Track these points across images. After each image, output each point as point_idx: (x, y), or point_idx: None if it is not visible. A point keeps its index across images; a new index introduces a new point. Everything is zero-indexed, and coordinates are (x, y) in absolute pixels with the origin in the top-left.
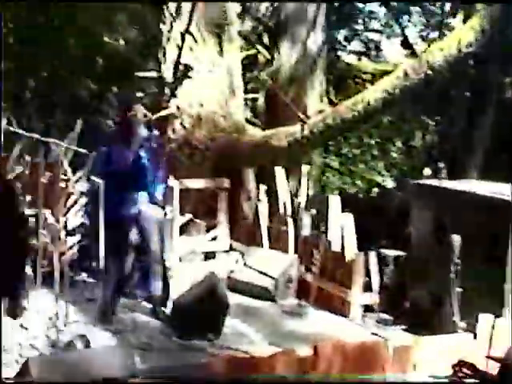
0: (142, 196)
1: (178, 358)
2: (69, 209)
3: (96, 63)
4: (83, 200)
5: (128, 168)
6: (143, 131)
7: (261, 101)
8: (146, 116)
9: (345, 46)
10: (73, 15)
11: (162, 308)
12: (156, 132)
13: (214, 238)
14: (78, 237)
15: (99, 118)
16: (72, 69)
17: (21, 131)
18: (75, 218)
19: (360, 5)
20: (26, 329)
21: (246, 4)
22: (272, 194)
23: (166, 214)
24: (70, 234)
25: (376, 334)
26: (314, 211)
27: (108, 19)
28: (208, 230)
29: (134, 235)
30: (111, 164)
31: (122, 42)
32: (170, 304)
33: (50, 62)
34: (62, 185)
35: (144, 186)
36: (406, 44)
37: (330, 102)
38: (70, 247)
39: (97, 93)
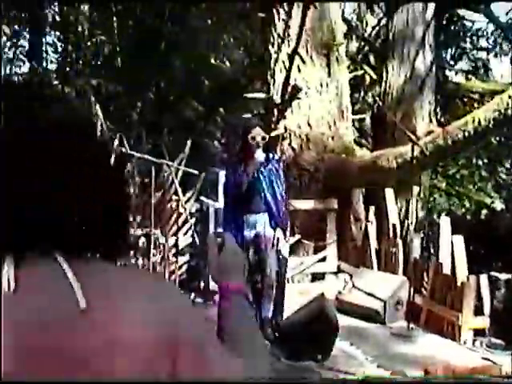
0: (262, 218)
1: (286, 379)
2: (179, 229)
3: (203, 85)
4: (193, 220)
5: (245, 191)
6: (261, 154)
7: (368, 121)
8: (264, 139)
9: (452, 66)
10: (179, 38)
11: (271, 329)
12: (276, 155)
13: (323, 259)
14: (187, 257)
15: (206, 139)
16: (179, 90)
17: (133, 152)
18: (185, 238)
19: (468, 23)
20: None
21: (352, 24)
22: (381, 216)
23: (285, 235)
24: (179, 253)
25: (487, 359)
26: (423, 233)
27: (214, 41)
28: (316, 251)
29: (251, 257)
30: (228, 186)
31: (227, 63)
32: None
33: (156, 85)
34: (173, 205)
35: (262, 209)
36: None
37: (439, 123)
38: (180, 267)
39: (203, 114)
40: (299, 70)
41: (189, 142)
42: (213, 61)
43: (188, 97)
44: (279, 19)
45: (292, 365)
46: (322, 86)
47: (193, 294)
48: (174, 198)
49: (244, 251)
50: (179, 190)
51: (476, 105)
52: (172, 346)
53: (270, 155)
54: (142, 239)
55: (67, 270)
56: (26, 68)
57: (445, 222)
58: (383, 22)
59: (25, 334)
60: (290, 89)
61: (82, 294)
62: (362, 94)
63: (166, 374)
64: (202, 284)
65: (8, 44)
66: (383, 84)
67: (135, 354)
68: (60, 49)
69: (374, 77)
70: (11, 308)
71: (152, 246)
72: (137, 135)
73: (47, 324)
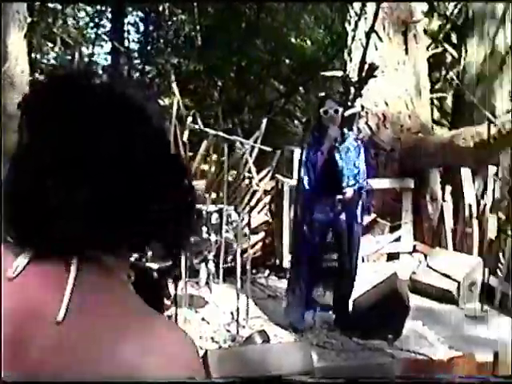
0: (338, 199)
1: (356, 358)
2: (253, 207)
3: (283, 64)
4: (267, 198)
5: (320, 170)
6: (335, 130)
7: (448, 100)
8: (337, 112)
9: None
10: (261, 18)
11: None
12: (352, 134)
13: (398, 239)
14: (261, 234)
15: (287, 117)
16: (259, 70)
17: (207, 129)
18: (259, 216)
19: None
20: (208, 322)
21: (433, 2)
22: (457, 196)
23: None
24: (253, 231)
25: None
26: (500, 214)
27: (295, 20)
28: (391, 231)
29: (328, 236)
30: (305, 165)
31: (308, 42)
32: (351, 303)
33: (238, 64)
34: (247, 182)
35: (339, 188)
36: None
37: None
38: (253, 245)
39: (283, 93)
40: (376, 48)
41: (264, 121)
42: (293, 40)
43: (268, 76)
44: None
45: (363, 343)
46: (399, 63)
47: (267, 271)
48: (248, 175)
49: (323, 232)
50: (253, 168)
51: None
52: None
53: (346, 132)
54: (215, 215)
55: (71, 278)
56: (107, 48)
57: None
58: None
59: None
60: (366, 67)
61: (68, 307)
62: (444, 72)
63: None
64: (278, 261)
65: (91, 24)
66: (462, 62)
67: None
68: (142, 28)
69: (455, 55)
70: None
71: (224, 223)
72: (216, 114)
73: (16, 324)
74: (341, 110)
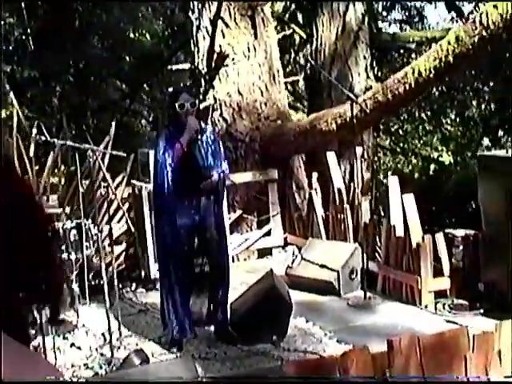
0: (204, 197)
1: (242, 365)
2: (111, 217)
3: (123, 61)
4: (126, 206)
5: (180, 167)
6: (194, 122)
7: (301, 84)
8: (193, 105)
9: (386, 17)
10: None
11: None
12: (209, 127)
13: (268, 233)
14: (124, 245)
15: (133, 118)
16: (99, 70)
17: (53, 140)
18: (119, 226)
19: None
20: (79, 348)
21: None
22: (325, 181)
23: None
24: (115, 242)
25: (453, 322)
26: (370, 196)
27: (131, 13)
28: (260, 226)
29: (194, 238)
30: (160, 165)
31: (148, 36)
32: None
33: (74, 65)
34: (102, 192)
35: (202, 186)
36: (451, 6)
37: (377, 78)
38: (117, 257)
39: (128, 92)
40: (223, 36)
41: (113, 124)
42: (132, 35)
43: (109, 76)
44: None
45: (248, 349)
46: (249, 50)
47: (134, 284)
48: (103, 184)
49: (189, 235)
50: (107, 176)
51: (414, 56)
52: None
53: (203, 125)
54: (73, 231)
55: None
56: None
57: (393, 182)
58: None
59: None
60: (215, 56)
61: None
62: (293, 54)
63: None
64: (143, 273)
65: None
66: (314, 42)
67: None
68: None
69: (304, 35)
70: None
71: (84, 238)
72: (59, 121)
73: None
74: (197, 103)
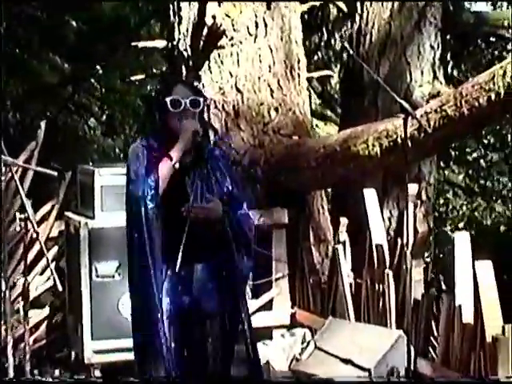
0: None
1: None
2: (31, 265)
3: (66, 27)
4: (54, 250)
5: (173, 201)
6: (192, 129)
7: (335, 81)
8: (196, 105)
9: None
10: None
11: None
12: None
13: (268, 306)
14: (46, 310)
15: (76, 115)
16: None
17: None
18: (40, 280)
19: None
20: None
21: None
22: (358, 233)
23: None
24: (33, 306)
25: None
26: (428, 258)
27: None
28: (256, 293)
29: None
30: (136, 197)
31: None
32: None
33: None
34: (18, 227)
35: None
36: None
37: (449, 79)
38: (34, 327)
39: (70, 75)
40: (219, 2)
41: (43, 124)
42: None
43: (43, 47)
44: None
45: None
46: (257, 26)
47: (57, 371)
48: (20, 216)
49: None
50: (27, 204)
51: (510, 47)
52: None
53: (212, 137)
54: None
55: None
56: None
57: (462, 239)
58: None
59: None
60: (205, 32)
61: None
62: (325, 36)
63: None
64: (73, 353)
65: None
66: (357, 19)
67: None
68: None
69: (344, 8)
70: None
71: None
72: None
73: None
74: (202, 100)
